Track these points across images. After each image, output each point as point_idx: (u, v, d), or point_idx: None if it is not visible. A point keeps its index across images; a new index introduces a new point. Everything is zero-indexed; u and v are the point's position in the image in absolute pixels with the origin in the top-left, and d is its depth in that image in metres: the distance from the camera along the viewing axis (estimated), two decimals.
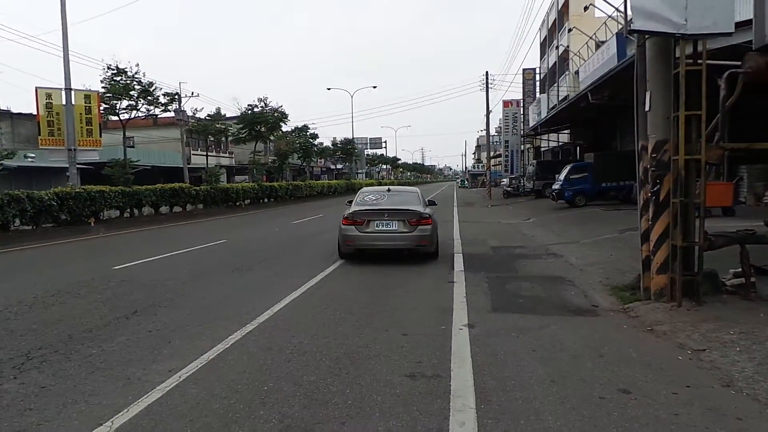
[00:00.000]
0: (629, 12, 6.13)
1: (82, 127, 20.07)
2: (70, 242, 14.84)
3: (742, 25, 6.40)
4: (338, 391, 3.88)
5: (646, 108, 6.24)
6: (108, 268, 9.57)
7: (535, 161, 38.45)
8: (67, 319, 6.12)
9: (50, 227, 17.00)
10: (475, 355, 4.59)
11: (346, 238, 9.79)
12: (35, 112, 20.20)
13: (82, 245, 14.31)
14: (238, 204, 30.31)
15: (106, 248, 13.66)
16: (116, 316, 6.21)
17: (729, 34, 5.63)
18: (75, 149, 19.47)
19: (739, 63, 5.93)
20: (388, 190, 11.19)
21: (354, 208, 10.06)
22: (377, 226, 9.63)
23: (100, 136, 21.03)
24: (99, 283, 8.25)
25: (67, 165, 19.90)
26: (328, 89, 58.29)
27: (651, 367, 4.30)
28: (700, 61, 5.73)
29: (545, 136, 39.74)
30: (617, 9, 23.65)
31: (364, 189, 11.51)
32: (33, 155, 28.39)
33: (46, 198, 16.46)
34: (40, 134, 19.72)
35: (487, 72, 39.10)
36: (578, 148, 34.77)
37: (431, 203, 11.31)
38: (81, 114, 20.07)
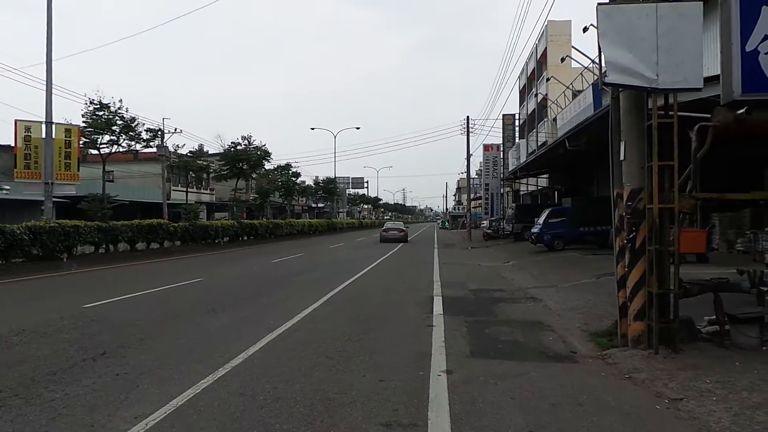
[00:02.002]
0: (603, 65, 6.35)
1: (60, 161, 19.90)
2: (40, 278, 14.40)
3: (712, 80, 6.66)
4: None
5: (621, 157, 6.40)
6: (78, 307, 9.28)
7: (514, 204, 39.00)
8: (31, 360, 5.87)
9: (20, 262, 16.51)
10: (452, 403, 4.50)
11: (382, 236, 35.45)
12: (13, 144, 20.01)
13: (52, 282, 13.91)
14: (216, 241, 29.92)
15: (77, 285, 13.30)
16: (83, 357, 5.99)
17: (698, 89, 5.86)
18: (52, 183, 19.21)
19: (709, 115, 6.15)
20: (393, 222, 45.58)
21: (384, 227, 38.78)
22: (391, 232, 35.93)
23: (78, 171, 20.86)
24: (67, 322, 7.98)
25: (43, 198, 19.59)
26: (312, 129, 59.35)
27: (630, 417, 4.26)
28: (671, 113, 5.94)
29: (524, 180, 40.47)
30: (593, 60, 24.58)
31: (386, 223, 46.04)
32: (8, 187, 27.83)
33: (18, 232, 16.01)
34: (16, 167, 19.47)
35: (467, 117, 40.09)
36: (556, 192, 35.43)
37: (406, 227, 41.43)
38: (60, 148, 19.94)
